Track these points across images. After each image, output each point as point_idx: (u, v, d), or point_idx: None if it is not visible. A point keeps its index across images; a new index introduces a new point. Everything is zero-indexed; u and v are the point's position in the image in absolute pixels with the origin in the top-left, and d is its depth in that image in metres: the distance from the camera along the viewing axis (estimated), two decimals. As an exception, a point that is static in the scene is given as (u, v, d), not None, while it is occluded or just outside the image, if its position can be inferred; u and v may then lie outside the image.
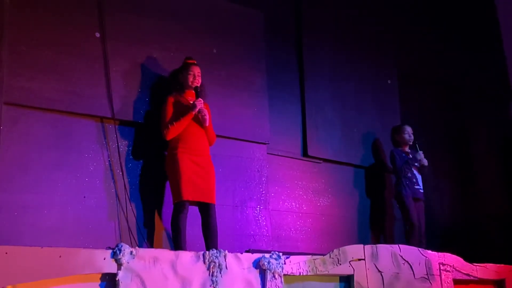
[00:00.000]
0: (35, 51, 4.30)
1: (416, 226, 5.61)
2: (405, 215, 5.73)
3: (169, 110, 4.54)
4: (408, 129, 5.96)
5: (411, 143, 5.92)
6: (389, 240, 6.01)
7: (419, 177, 5.81)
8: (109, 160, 4.52)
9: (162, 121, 4.53)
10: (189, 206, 4.42)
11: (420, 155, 5.79)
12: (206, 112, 4.55)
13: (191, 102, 4.55)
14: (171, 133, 4.46)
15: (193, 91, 4.61)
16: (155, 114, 4.72)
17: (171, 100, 4.59)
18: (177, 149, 4.44)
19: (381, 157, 6.33)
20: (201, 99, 4.54)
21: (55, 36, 4.42)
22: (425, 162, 5.79)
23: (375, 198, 6.22)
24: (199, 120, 4.56)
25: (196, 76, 4.64)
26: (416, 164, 5.79)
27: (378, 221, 6.17)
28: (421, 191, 5.80)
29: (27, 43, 4.28)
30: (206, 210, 4.48)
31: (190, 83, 4.63)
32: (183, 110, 4.52)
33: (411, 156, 5.83)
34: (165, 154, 4.63)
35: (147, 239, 4.55)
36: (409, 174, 5.75)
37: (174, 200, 4.39)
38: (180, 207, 4.35)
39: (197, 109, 4.50)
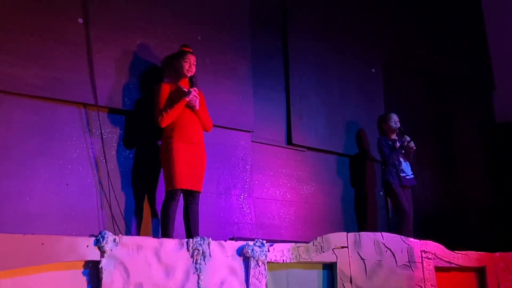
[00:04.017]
0: (17, 37, 4.24)
1: (407, 214, 5.63)
2: (395, 203, 5.73)
3: (163, 97, 4.51)
4: (394, 117, 5.95)
5: (397, 130, 5.91)
6: (371, 228, 6.04)
7: (405, 164, 5.80)
8: (92, 148, 4.49)
9: (155, 108, 4.50)
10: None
11: (406, 138, 5.77)
12: (196, 99, 4.54)
13: (185, 89, 4.54)
14: (166, 120, 4.44)
15: (187, 79, 4.61)
16: (138, 101, 4.70)
17: (164, 87, 4.56)
18: (172, 137, 4.43)
19: (365, 146, 6.37)
20: (196, 88, 4.54)
21: (37, 21, 4.35)
22: (412, 144, 5.75)
23: (358, 186, 6.26)
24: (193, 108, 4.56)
25: (191, 65, 4.63)
26: (403, 151, 5.79)
27: (361, 209, 6.21)
28: (408, 178, 5.77)
29: (8, 29, 4.21)
30: (192, 197, 4.49)
31: (185, 72, 4.62)
32: (176, 97, 4.50)
33: (398, 144, 5.82)
34: (156, 142, 4.65)
35: (130, 226, 4.53)
36: (396, 162, 5.76)
37: (167, 188, 4.39)
38: (172, 195, 4.36)
39: (191, 96, 4.49)
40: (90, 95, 4.50)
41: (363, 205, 6.23)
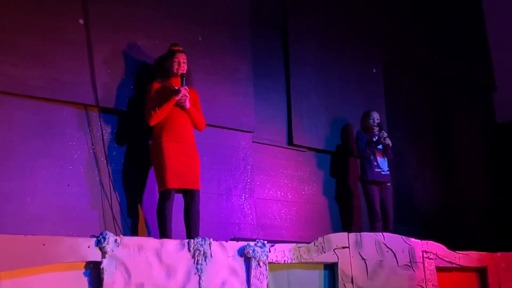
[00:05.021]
0: (17, 38, 4.24)
1: (379, 218, 5.61)
2: (368, 204, 5.74)
3: (153, 96, 4.51)
4: (374, 115, 5.91)
5: (375, 127, 5.86)
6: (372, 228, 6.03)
7: (381, 160, 5.76)
8: (93, 148, 4.49)
9: (146, 107, 4.50)
10: (175, 194, 4.41)
11: (383, 134, 5.74)
12: (186, 98, 4.51)
13: (175, 88, 4.53)
14: (154, 119, 4.43)
15: (178, 78, 4.58)
16: (139, 101, 4.69)
17: (155, 86, 4.56)
18: (162, 137, 4.41)
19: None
20: (186, 87, 4.52)
21: (38, 22, 4.36)
22: (388, 141, 5.73)
23: (358, 186, 6.25)
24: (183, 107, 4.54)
25: (181, 63, 4.61)
26: (379, 146, 5.76)
27: (362, 208, 6.20)
28: (383, 173, 5.72)
29: (9, 29, 4.22)
30: (190, 196, 4.47)
31: (175, 70, 4.60)
32: (167, 96, 4.48)
33: (375, 139, 5.78)
34: (149, 143, 4.61)
35: (131, 227, 4.53)
36: (371, 157, 5.73)
37: (160, 188, 4.37)
38: (166, 195, 4.34)
39: (180, 95, 4.46)
40: (91, 96, 4.50)
41: (364, 205, 6.21)
